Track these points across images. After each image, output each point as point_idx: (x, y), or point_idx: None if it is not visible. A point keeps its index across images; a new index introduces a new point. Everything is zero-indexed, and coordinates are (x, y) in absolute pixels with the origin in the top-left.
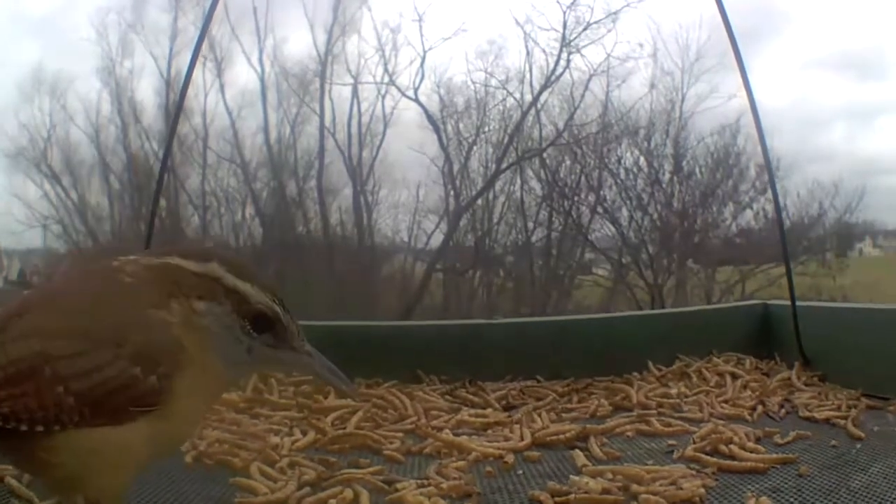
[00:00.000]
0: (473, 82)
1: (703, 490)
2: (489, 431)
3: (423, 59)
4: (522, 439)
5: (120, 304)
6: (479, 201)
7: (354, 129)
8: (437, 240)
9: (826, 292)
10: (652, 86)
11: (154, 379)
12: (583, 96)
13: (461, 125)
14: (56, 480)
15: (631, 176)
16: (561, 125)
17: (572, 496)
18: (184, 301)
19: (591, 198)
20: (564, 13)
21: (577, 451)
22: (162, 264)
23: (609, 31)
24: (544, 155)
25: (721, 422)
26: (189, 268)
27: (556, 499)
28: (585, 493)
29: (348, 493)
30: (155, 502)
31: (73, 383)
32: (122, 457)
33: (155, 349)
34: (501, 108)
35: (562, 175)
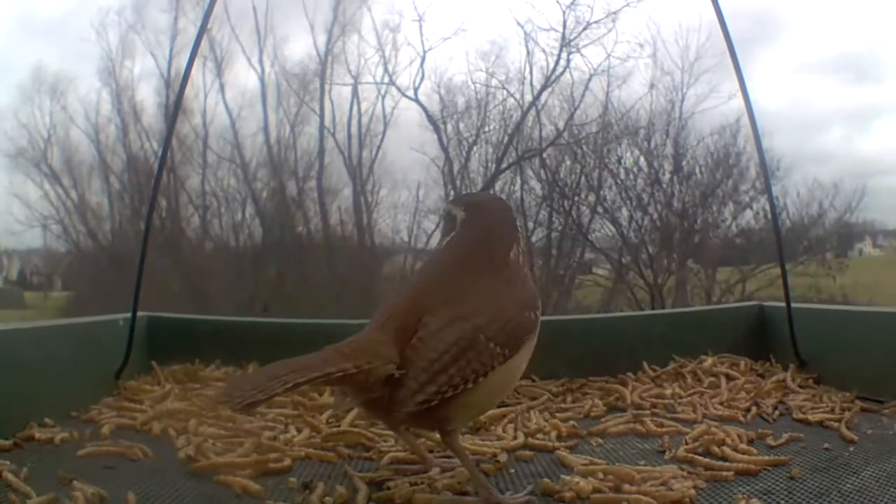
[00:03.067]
0: (474, 82)
1: (693, 491)
2: (480, 431)
3: (423, 59)
4: (515, 438)
5: (509, 281)
6: None
7: (354, 129)
8: (437, 240)
9: (826, 292)
10: (652, 86)
11: (532, 315)
12: (583, 96)
13: (461, 125)
14: (444, 422)
15: (631, 176)
16: (561, 125)
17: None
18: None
19: (591, 198)
20: (564, 13)
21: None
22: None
23: (609, 31)
24: (544, 155)
25: (714, 423)
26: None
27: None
28: (576, 492)
29: (343, 490)
30: (150, 499)
31: (499, 337)
32: (513, 377)
33: (531, 298)
34: (501, 108)
35: (562, 175)
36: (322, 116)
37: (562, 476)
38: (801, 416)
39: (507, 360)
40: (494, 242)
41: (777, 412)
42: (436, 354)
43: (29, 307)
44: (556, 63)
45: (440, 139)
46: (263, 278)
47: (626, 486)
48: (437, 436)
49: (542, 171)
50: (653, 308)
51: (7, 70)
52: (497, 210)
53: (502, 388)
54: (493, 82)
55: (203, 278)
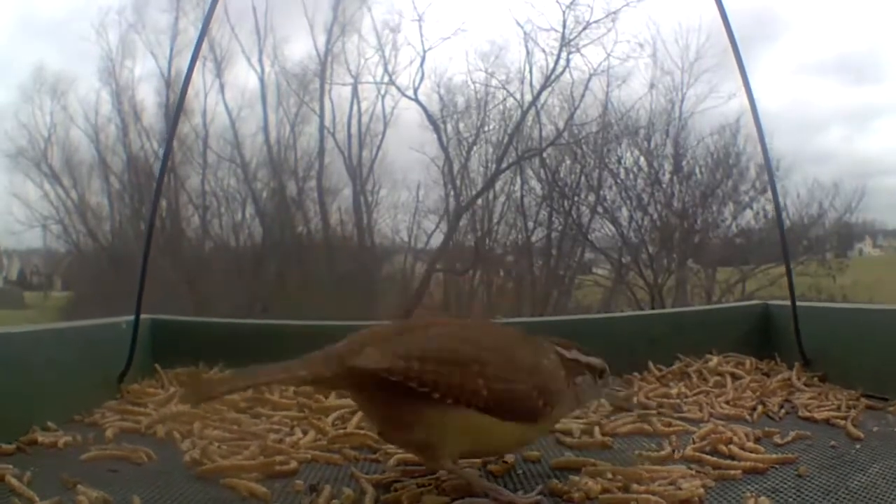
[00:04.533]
0: (473, 82)
1: (702, 490)
2: None
3: (423, 59)
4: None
5: (535, 355)
6: (479, 201)
7: (354, 129)
8: (437, 240)
9: (826, 292)
10: (652, 86)
11: (541, 403)
12: (583, 96)
13: (461, 125)
14: (426, 442)
15: (631, 176)
16: (561, 125)
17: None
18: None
19: (591, 198)
20: (564, 13)
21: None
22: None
23: (609, 30)
24: (544, 155)
25: (721, 422)
26: (566, 355)
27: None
28: (585, 492)
29: (350, 493)
30: (155, 503)
31: (493, 383)
32: (494, 442)
33: (551, 387)
34: (501, 107)
35: (562, 175)
36: (322, 116)
37: (570, 476)
38: (806, 414)
39: (489, 411)
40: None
41: (783, 410)
42: (422, 342)
43: (29, 307)
44: (556, 63)
45: (440, 139)
46: (263, 278)
47: (635, 486)
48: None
49: (542, 171)
50: (653, 308)
51: (7, 70)
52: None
53: (476, 436)
54: (493, 82)
55: (203, 278)
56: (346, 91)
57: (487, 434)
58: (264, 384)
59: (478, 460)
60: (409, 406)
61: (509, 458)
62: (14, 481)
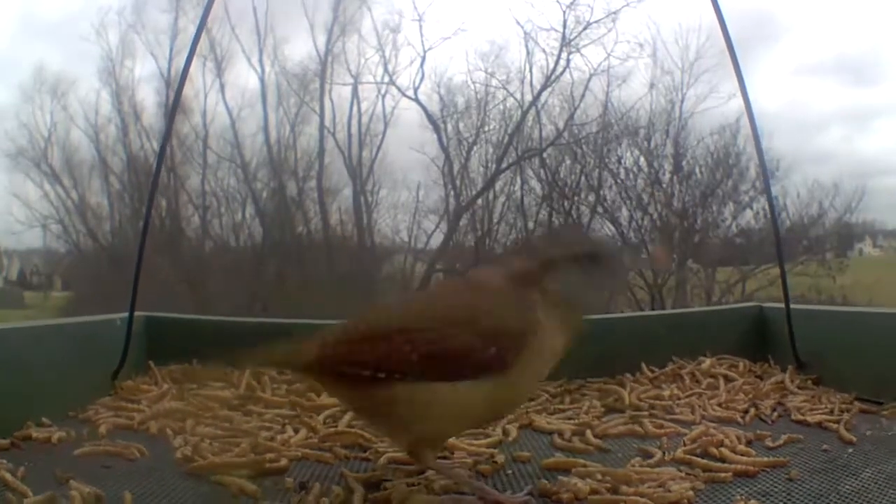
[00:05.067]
0: (474, 82)
1: (691, 493)
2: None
3: (423, 59)
4: (507, 435)
5: (481, 302)
6: (479, 201)
7: (354, 129)
8: (437, 240)
9: (826, 292)
10: (652, 86)
11: (493, 351)
12: (583, 96)
13: (461, 125)
14: (389, 425)
15: (631, 176)
16: (561, 125)
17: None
18: (538, 287)
19: (591, 198)
20: (564, 13)
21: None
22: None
23: (609, 31)
24: (544, 155)
25: (713, 424)
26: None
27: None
28: (574, 493)
29: (339, 491)
30: (147, 498)
31: (421, 346)
32: (454, 411)
33: (503, 329)
34: (501, 107)
35: (562, 175)
36: (322, 116)
37: (559, 477)
38: (799, 417)
39: (429, 379)
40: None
41: (776, 413)
42: (352, 325)
43: (29, 307)
44: (556, 63)
45: (440, 139)
46: (263, 278)
47: (624, 488)
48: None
49: (542, 171)
50: (652, 308)
51: (8, 70)
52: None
53: (439, 413)
54: (493, 82)
55: (203, 278)
56: (346, 91)
57: (445, 403)
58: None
59: (469, 460)
60: (359, 392)
61: (499, 458)
62: (8, 476)
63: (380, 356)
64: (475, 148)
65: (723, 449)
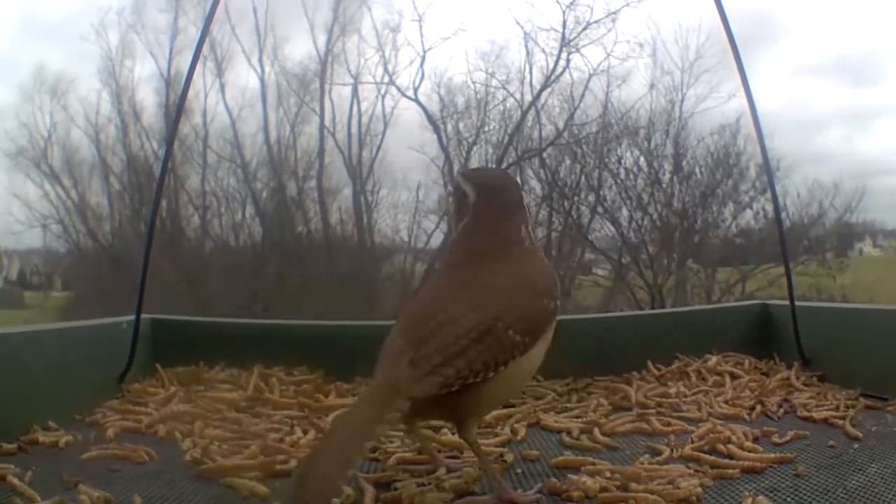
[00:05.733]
0: (473, 82)
1: (700, 489)
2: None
3: (423, 59)
4: (515, 434)
5: (527, 267)
6: None
7: (354, 129)
8: (437, 240)
9: (826, 292)
10: (652, 86)
11: (553, 304)
12: (583, 96)
13: (461, 125)
14: (464, 413)
15: (631, 176)
16: (561, 125)
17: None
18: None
19: (591, 198)
20: (564, 13)
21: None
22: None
23: (609, 31)
24: (544, 155)
25: (720, 421)
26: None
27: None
28: (584, 491)
29: (349, 491)
30: (156, 502)
31: (517, 324)
32: (532, 367)
33: (550, 286)
34: (501, 108)
35: (562, 175)
36: (322, 116)
37: (569, 475)
38: (805, 413)
39: (527, 349)
40: (506, 225)
41: (782, 410)
42: (452, 338)
43: (29, 307)
44: (556, 63)
45: (440, 139)
46: (263, 278)
47: (633, 485)
48: (453, 432)
49: (542, 171)
50: (653, 308)
51: (8, 70)
52: (507, 189)
53: (521, 379)
54: (493, 82)
55: (203, 278)
56: (346, 91)
57: (528, 368)
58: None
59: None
60: (462, 395)
61: (508, 457)
62: (15, 481)
63: (495, 354)
64: (475, 148)
65: (730, 445)
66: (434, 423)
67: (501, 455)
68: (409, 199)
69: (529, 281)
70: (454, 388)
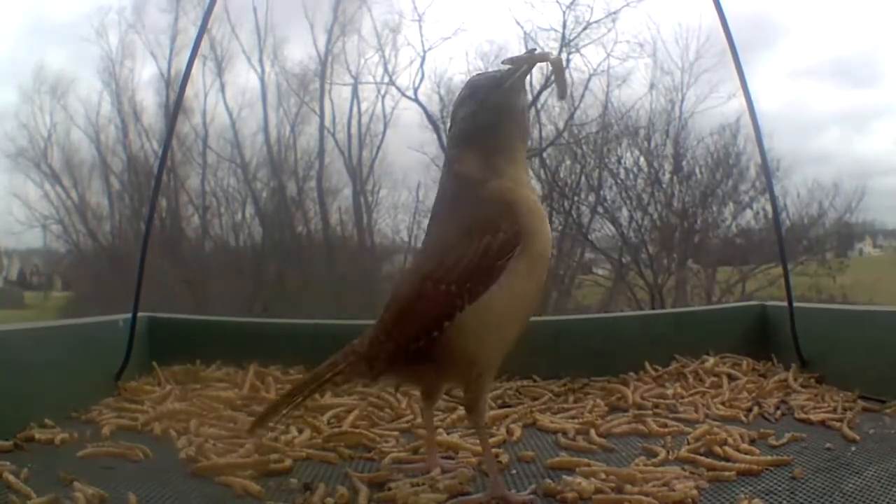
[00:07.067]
0: None
1: (695, 492)
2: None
3: (423, 59)
4: (511, 435)
5: (462, 207)
6: None
7: (354, 130)
8: None
9: (826, 292)
10: (652, 86)
11: (502, 236)
12: (583, 96)
13: None
14: (456, 373)
15: (631, 176)
16: (561, 125)
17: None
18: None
19: (591, 198)
20: (564, 13)
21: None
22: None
23: (609, 31)
24: (544, 155)
25: (716, 423)
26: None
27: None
28: (578, 492)
29: (344, 491)
30: (151, 500)
31: (450, 276)
32: (509, 309)
33: (493, 218)
34: None
35: (562, 175)
36: (322, 116)
37: (564, 476)
38: (803, 415)
39: (478, 294)
40: (455, 158)
41: (779, 412)
42: (388, 314)
43: (29, 307)
44: None
45: (440, 139)
46: (263, 278)
47: (628, 487)
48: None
49: (542, 171)
50: (653, 308)
51: (9, 70)
52: (454, 116)
53: (499, 317)
54: None
55: (203, 278)
56: (346, 91)
57: (500, 306)
58: (308, 397)
59: (473, 460)
60: (427, 358)
61: (503, 457)
62: (11, 478)
63: (431, 313)
64: None
65: (726, 447)
66: (435, 424)
67: (497, 456)
68: (409, 199)
69: (461, 224)
70: (411, 351)
